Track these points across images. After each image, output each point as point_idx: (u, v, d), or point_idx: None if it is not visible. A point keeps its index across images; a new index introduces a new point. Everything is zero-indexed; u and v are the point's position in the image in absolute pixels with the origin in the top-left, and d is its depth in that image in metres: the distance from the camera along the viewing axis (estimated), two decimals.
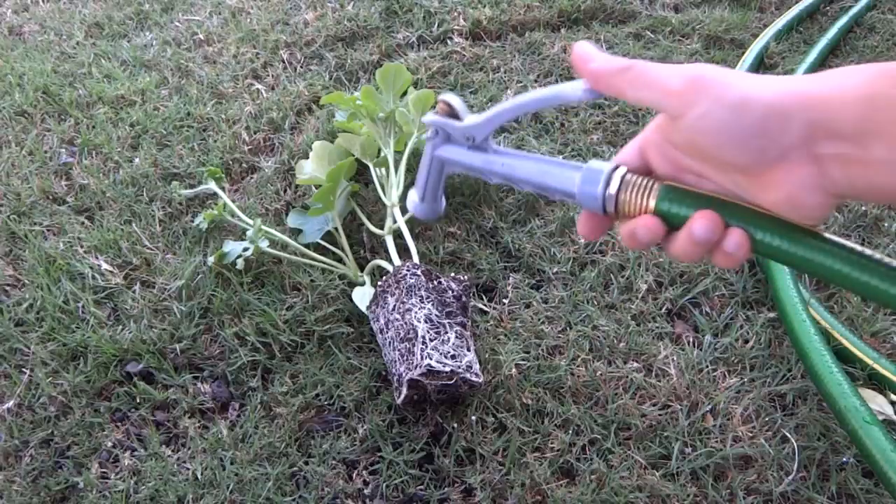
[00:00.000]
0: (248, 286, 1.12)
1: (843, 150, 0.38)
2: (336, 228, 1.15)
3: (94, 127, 1.48)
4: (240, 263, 1.10)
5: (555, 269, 1.14)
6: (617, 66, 0.45)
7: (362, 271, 1.13)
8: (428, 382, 0.90)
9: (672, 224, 0.45)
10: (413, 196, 0.63)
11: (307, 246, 1.17)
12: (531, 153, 0.54)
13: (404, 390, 0.91)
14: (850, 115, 0.37)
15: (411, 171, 1.20)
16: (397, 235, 1.14)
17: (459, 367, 0.91)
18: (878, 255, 0.40)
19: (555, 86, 0.48)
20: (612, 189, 0.47)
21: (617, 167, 0.48)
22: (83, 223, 1.27)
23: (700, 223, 0.43)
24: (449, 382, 0.91)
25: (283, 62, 1.63)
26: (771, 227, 0.42)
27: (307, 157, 1.35)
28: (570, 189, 0.49)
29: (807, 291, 1.07)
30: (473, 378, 0.92)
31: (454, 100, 0.55)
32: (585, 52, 0.46)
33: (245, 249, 1.12)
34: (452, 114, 0.55)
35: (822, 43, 1.61)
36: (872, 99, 0.36)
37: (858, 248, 0.41)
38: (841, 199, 0.42)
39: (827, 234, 0.42)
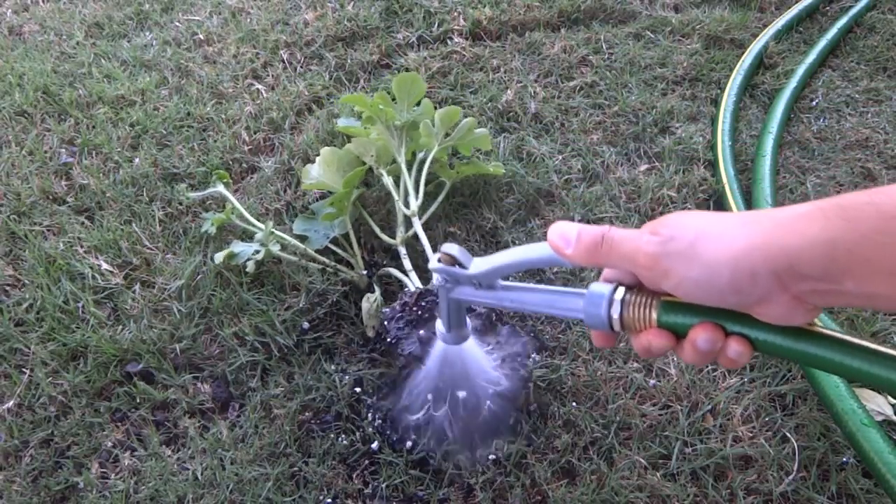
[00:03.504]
0: (247, 286, 1.12)
1: (816, 287, 0.41)
2: (346, 235, 1.15)
3: (94, 127, 1.48)
4: (250, 266, 1.10)
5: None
6: (589, 243, 0.49)
7: (370, 277, 1.13)
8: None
9: (677, 333, 0.48)
10: (440, 327, 0.73)
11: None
12: (535, 286, 0.59)
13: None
14: (816, 261, 0.40)
15: (429, 180, 1.21)
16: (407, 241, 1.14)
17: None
18: (864, 342, 0.44)
19: (553, 254, 0.52)
20: (615, 312, 0.50)
21: (616, 288, 0.51)
22: (83, 223, 1.27)
23: (702, 336, 0.46)
24: None
25: (283, 62, 1.63)
26: (767, 329, 0.45)
27: (307, 158, 1.35)
28: (577, 315, 0.53)
29: None
30: None
31: (455, 250, 0.61)
32: (557, 241, 0.51)
33: (256, 252, 1.11)
34: (454, 261, 0.62)
35: (822, 43, 1.61)
36: (833, 245, 0.39)
37: (848, 337, 0.45)
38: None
39: (820, 329, 0.45)
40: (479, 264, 0.61)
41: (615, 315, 0.51)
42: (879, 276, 0.39)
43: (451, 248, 0.62)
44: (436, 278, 0.66)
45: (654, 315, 0.49)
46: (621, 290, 0.51)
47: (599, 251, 0.49)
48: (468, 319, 0.74)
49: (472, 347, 0.85)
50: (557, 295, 0.56)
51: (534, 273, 1.14)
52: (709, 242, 0.43)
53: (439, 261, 0.63)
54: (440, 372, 0.88)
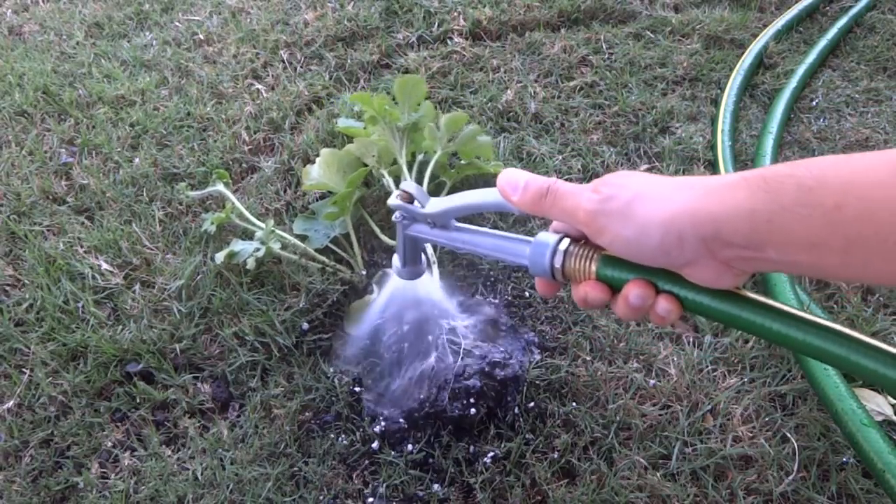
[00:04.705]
0: (247, 286, 1.12)
1: (741, 253, 0.43)
2: (347, 234, 1.16)
3: (94, 127, 1.48)
4: (250, 263, 1.10)
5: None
6: (535, 193, 0.51)
7: (369, 277, 1.13)
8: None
9: (614, 287, 0.51)
10: (396, 262, 0.75)
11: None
12: (486, 230, 0.61)
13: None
14: (739, 229, 0.41)
15: (431, 181, 1.21)
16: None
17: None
18: (787, 308, 0.46)
19: (502, 199, 0.55)
20: (558, 261, 0.53)
21: (561, 239, 0.53)
22: (83, 223, 1.27)
23: (634, 292, 0.48)
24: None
25: (283, 62, 1.63)
26: (696, 289, 0.47)
27: (307, 158, 1.35)
28: (523, 261, 0.56)
29: (805, 294, 1.08)
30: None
31: (413, 188, 0.64)
32: (506, 187, 0.54)
33: (256, 250, 1.11)
34: (412, 199, 0.64)
35: (822, 43, 1.61)
36: (754, 214, 0.41)
37: (772, 302, 0.46)
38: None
39: (746, 293, 0.47)
40: (434, 204, 0.63)
41: (557, 264, 0.53)
42: (799, 246, 0.40)
43: (409, 185, 0.64)
44: (394, 214, 0.68)
45: (594, 268, 0.51)
46: (566, 241, 0.53)
47: (543, 202, 0.51)
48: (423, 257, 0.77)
49: (427, 283, 0.88)
50: (506, 240, 0.58)
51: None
52: (643, 204, 0.45)
53: (398, 198, 0.65)
54: (393, 305, 0.92)
